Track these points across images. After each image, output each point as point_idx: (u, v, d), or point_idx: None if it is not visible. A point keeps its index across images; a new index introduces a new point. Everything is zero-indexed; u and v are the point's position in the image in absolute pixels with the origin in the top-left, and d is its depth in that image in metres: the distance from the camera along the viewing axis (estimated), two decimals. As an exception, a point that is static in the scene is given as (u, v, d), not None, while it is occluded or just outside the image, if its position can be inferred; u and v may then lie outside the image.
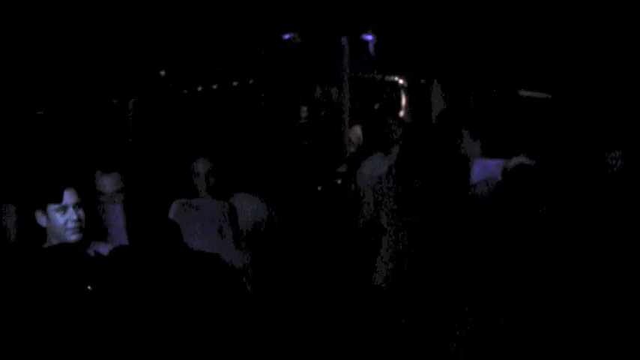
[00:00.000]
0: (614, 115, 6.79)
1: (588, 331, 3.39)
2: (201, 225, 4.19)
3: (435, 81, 5.54)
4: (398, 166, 5.54)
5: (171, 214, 4.26)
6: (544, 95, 8.24)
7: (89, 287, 3.21)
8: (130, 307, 2.96)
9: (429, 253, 3.90)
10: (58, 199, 3.59)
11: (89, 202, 3.86)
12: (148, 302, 2.93)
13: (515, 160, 5.12)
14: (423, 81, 9.96)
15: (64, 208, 3.60)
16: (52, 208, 3.61)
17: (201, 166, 4.84)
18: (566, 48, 8.92)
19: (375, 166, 6.22)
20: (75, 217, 3.60)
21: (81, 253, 3.49)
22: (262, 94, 9.62)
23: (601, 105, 7.51)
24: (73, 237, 3.62)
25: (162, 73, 8.73)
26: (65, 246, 3.57)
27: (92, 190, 4.60)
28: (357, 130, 7.09)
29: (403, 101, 9.41)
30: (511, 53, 9.49)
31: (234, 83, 9.51)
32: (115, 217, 4.26)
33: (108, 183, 4.56)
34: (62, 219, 3.61)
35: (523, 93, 8.53)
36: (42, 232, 3.70)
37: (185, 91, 8.56)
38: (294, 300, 4.87)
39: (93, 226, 3.93)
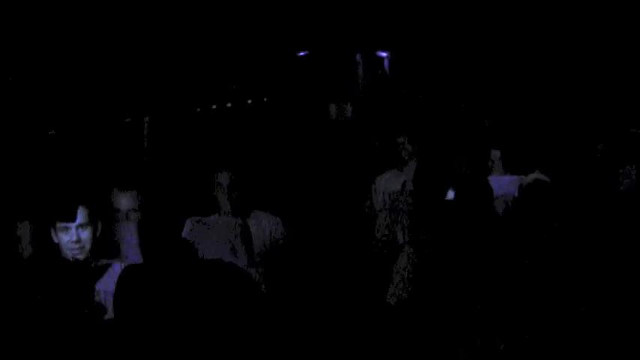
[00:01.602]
0: (626, 129, 6.76)
1: (601, 345, 3.37)
2: (215, 243, 4.18)
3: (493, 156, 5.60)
4: (414, 183, 5.53)
5: (184, 233, 4.26)
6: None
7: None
8: (140, 322, 2.96)
9: (445, 270, 3.88)
10: (64, 218, 3.60)
11: (104, 219, 3.86)
12: (159, 318, 2.92)
13: (531, 176, 5.11)
14: (438, 95, 9.95)
15: (67, 229, 3.61)
16: (58, 227, 3.62)
17: (224, 178, 4.83)
18: (583, 62, 8.90)
19: (390, 183, 6.21)
20: (75, 238, 3.60)
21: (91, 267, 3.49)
22: (277, 112, 9.62)
23: (614, 119, 7.48)
24: (75, 257, 3.64)
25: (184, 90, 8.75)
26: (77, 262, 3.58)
27: (107, 208, 4.61)
28: None
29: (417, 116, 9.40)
30: (528, 69, 9.47)
31: (249, 101, 9.52)
32: (129, 235, 4.26)
33: (124, 201, 4.57)
34: (65, 238, 3.62)
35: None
36: (57, 249, 3.72)
37: (199, 110, 8.58)
38: (307, 317, 4.86)
39: (106, 243, 3.94)
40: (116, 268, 3.59)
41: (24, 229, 4.35)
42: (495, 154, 5.64)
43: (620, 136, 6.07)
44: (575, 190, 4.50)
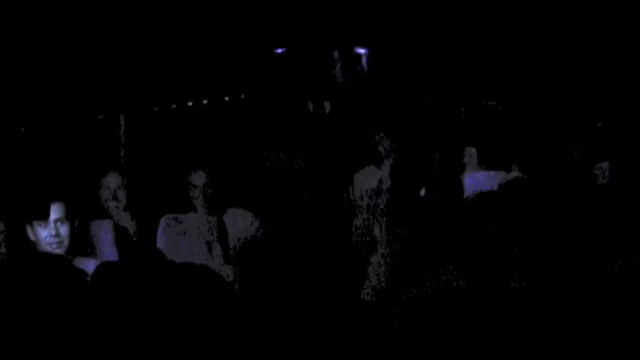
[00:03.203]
0: (602, 126, 6.80)
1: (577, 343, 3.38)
2: (190, 240, 4.18)
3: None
4: (391, 179, 5.53)
5: (160, 230, 4.25)
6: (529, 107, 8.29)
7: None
8: (114, 321, 2.94)
9: (423, 266, 3.88)
10: (43, 215, 3.61)
11: (79, 217, 3.86)
12: (133, 317, 2.91)
13: (511, 174, 5.13)
14: (415, 93, 9.97)
15: (46, 223, 3.63)
16: (36, 222, 3.64)
17: (198, 178, 4.86)
18: (557, 61, 8.95)
19: (367, 180, 6.22)
20: (54, 232, 3.63)
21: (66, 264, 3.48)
22: (254, 109, 9.61)
23: (590, 116, 7.52)
24: (54, 252, 3.65)
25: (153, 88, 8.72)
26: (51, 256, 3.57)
27: (82, 205, 4.62)
28: None
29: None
30: (503, 65, 9.50)
31: (226, 98, 9.50)
32: (105, 233, 4.25)
33: (112, 179, 4.69)
34: (44, 233, 3.64)
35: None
36: (33, 247, 3.72)
37: (174, 107, 8.55)
38: (283, 314, 4.85)
39: (81, 241, 3.93)
40: (91, 266, 3.58)
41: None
42: (470, 151, 5.67)
43: (595, 133, 6.10)
44: (552, 187, 4.51)
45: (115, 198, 4.68)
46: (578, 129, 6.76)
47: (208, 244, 4.26)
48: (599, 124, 6.63)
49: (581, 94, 8.38)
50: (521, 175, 5.13)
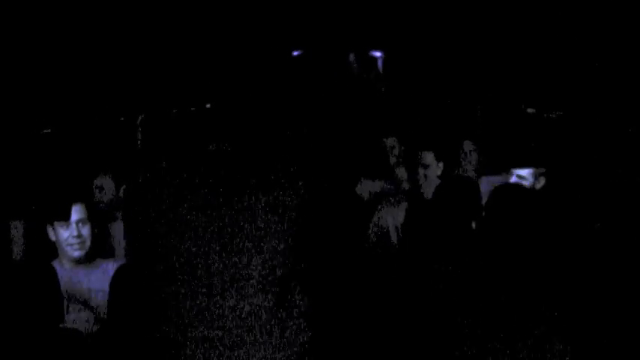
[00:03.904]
0: (625, 129, 6.76)
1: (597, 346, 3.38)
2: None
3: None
4: (408, 183, 5.52)
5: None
6: (553, 113, 8.25)
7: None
8: (136, 323, 2.96)
9: (439, 274, 3.89)
10: (64, 215, 3.63)
11: (99, 218, 3.89)
12: (155, 318, 2.93)
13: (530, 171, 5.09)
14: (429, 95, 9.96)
15: (67, 224, 3.65)
16: (57, 223, 3.66)
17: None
18: (577, 61, 8.91)
19: (382, 183, 6.21)
20: (75, 233, 3.65)
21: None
22: (270, 111, 9.62)
23: (613, 120, 7.49)
24: (75, 253, 3.68)
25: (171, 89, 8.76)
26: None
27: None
28: None
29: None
30: (520, 68, 9.47)
31: (238, 100, 9.51)
32: (122, 234, 4.28)
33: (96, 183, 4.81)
34: (65, 234, 3.66)
35: (530, 110, 8.53)
36: (52, 248, 3.74)
37: (193, 109, 8.58)
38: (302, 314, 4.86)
39: (102, 242, 3.96)
40: (110, 268, 3.62)
41: (17, 230, 4.38)
42: (469, 145, 5.41)
43: (620, 137, 6.03)
44: (573, 191, 4.51)
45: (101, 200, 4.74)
46: (603, 133, 6.70)
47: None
48: (628, 129, 6.58)
49: (606, 97, 8.33)
50: (544, 178, 5.09)
